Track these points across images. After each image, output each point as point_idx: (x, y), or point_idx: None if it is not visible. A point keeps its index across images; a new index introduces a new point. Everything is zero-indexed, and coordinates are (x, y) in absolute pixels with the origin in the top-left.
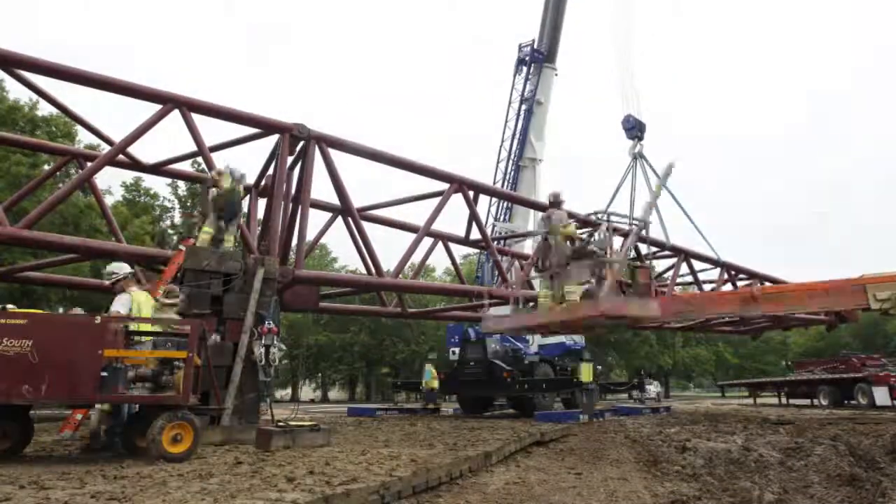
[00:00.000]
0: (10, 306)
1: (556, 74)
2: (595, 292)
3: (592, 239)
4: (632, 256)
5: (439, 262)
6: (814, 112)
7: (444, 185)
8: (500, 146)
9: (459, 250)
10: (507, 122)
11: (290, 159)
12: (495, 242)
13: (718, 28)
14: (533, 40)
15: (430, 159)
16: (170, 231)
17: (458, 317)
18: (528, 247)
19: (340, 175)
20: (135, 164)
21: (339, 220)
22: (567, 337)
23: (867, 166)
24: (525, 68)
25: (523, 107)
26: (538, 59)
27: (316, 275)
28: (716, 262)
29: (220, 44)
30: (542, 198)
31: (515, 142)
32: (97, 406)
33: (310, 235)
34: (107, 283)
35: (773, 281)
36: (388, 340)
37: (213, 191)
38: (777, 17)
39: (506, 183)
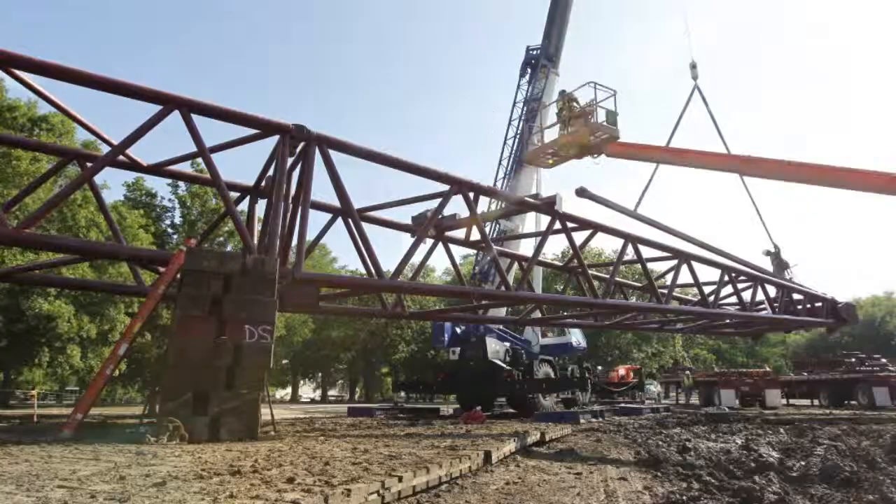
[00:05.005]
0: None
1: (558, 76)
2: None
3: None
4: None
5: (440, 262)
6: None
7: (445, 187)
8: (504, 144)
9: (459, 251)
10: (510, 121)
11: (290, 160)
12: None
13: None
14: (534, 46)
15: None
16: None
17: (457, 318)
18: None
19: (340, 176)
20: (134, 165)
21: (339, 220)
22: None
23: None
24: (530, 70)
25: (525, 108)
26: (546, 63)
27: (316, 275)
28: (716, 265)
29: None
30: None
31: (516, 141)
32: None
33: (310, 236)
34: None
35: (774, 283)
36: (388, 340)
37: None
38: None
39: (506, 181)
